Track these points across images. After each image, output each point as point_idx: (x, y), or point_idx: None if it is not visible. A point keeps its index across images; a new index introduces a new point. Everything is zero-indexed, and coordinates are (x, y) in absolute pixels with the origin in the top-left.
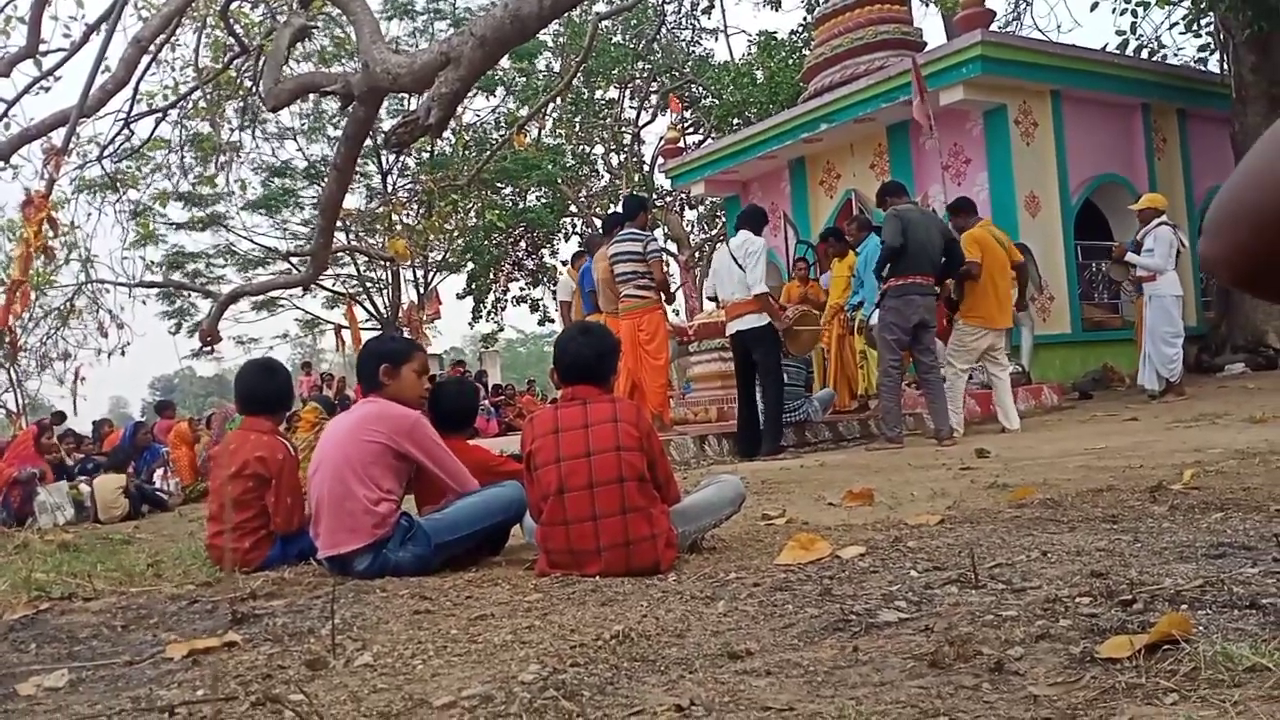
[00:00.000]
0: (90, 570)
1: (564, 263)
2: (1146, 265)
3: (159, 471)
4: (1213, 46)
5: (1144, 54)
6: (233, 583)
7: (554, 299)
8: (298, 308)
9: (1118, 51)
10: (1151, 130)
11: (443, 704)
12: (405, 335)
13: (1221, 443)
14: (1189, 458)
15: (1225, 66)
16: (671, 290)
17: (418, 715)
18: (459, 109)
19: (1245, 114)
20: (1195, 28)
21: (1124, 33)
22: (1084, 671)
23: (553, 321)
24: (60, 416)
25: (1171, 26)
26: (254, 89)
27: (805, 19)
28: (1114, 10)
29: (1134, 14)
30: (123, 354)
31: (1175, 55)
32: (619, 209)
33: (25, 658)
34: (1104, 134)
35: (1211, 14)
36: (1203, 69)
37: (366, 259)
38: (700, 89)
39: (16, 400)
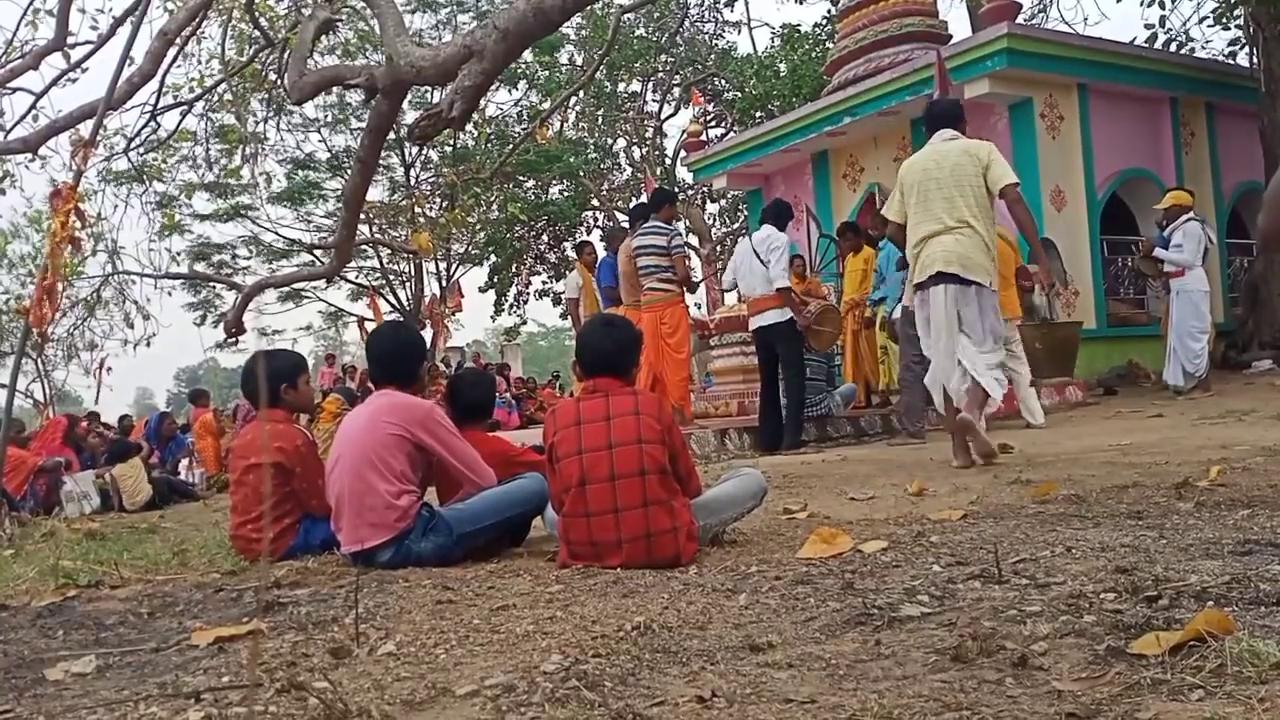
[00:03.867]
0: (117, 558)
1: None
2: (1175, 260)
3: (184, 462)
4: (1243, 40)
5: (1172, 47)
6: (257, 572)
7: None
8: (321, 300)
9: (1146, 45)
10: (1179, 124)
11: (465, 693)
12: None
13: (1248, 439)
14: (1215, 454)
15: (1255, 60)
16: (695, 283)
17: (440, 704)
18: (482, 102)
19: (1275, 108)
20: (1225, 21)
21: (1152, 26)
22: (1108, 667)
23: None
24: (95, 418)
25: (1201, 20)
26: (279, 82)
27: (829, 11)
28: (1142, 2)
29: (1162, 6)
30: (148, 345)
31: (1204, 49)
32: (642, 201)
33: (53, 644)
34: (1131, 128)
35: (1242, 7)
36: (1232, 63)
37: (389, 252)
38: (723, 82)
39: (44, 390)
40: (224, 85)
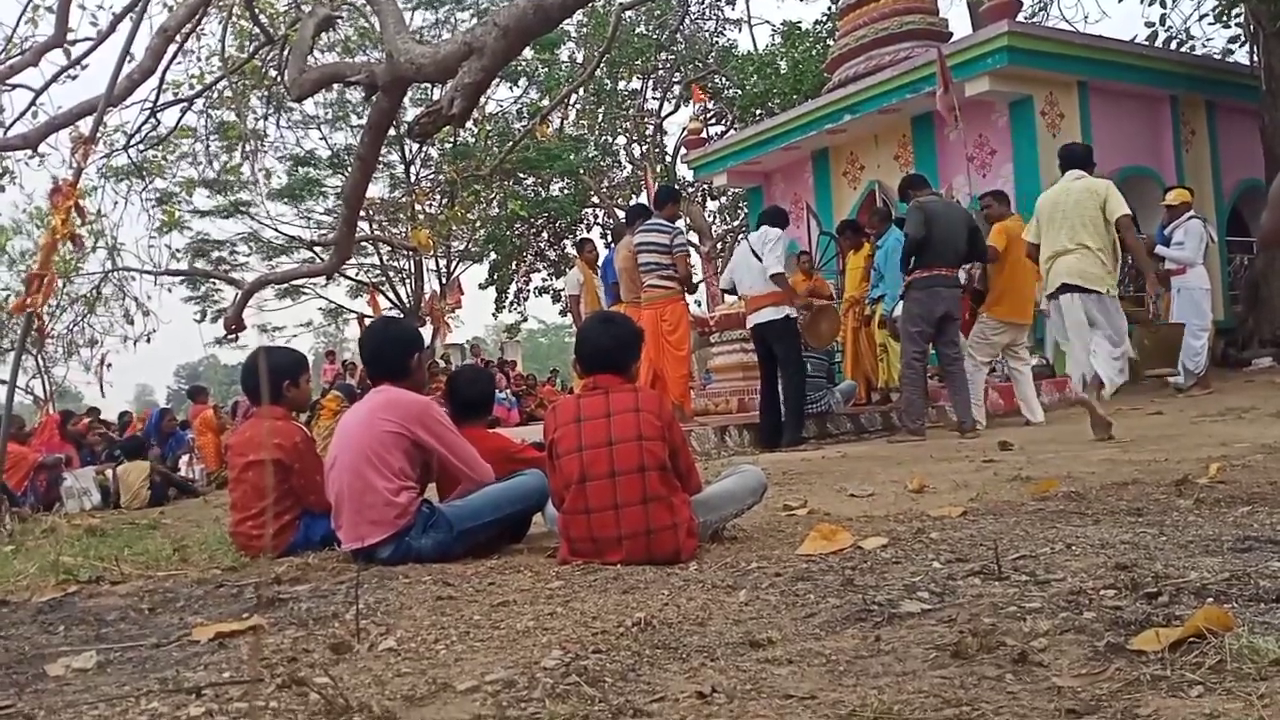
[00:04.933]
0: (117, 554)
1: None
2: (1177, 258)
3: (184, 458)
4: (1242, 38)
5: (1172, 45)
6: (258, 568)
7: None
8: (321, 296)
9: (1146, 43)
10: (1180, 122)
11: (466, 688)
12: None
13: (1248, 437)
14: (1215, 452)
15: (1255, 58)
16: (695, 282)
17: (441, 699)
18: (482, 99)
19: (1275, 106)
20: (1225, 19)
21: (1153, 24)
22: (1108, 663)
23: None
24: (94, 413)
25: (1201, 18)
26: (279, 79)
27: (830, 9)
28: (1142, 0)
29: (1163, 4)
30: (148, 341)
31: (1204, 46)
32: (642, 200)
33: (54, 639)
34: (1131, 126)
35: (1242, 5)
36: (1232, 61)
37: (389, 248)
38: (723, 79)
39: (44, 386)
40: (224, 82)
